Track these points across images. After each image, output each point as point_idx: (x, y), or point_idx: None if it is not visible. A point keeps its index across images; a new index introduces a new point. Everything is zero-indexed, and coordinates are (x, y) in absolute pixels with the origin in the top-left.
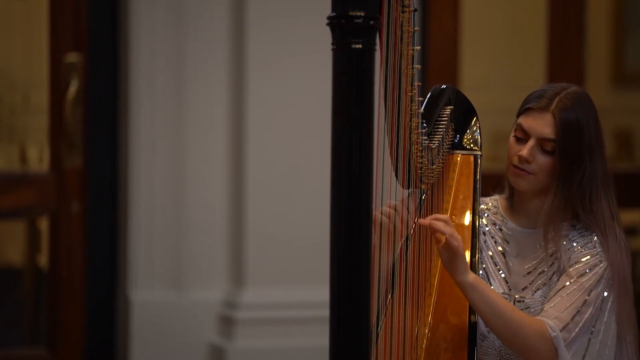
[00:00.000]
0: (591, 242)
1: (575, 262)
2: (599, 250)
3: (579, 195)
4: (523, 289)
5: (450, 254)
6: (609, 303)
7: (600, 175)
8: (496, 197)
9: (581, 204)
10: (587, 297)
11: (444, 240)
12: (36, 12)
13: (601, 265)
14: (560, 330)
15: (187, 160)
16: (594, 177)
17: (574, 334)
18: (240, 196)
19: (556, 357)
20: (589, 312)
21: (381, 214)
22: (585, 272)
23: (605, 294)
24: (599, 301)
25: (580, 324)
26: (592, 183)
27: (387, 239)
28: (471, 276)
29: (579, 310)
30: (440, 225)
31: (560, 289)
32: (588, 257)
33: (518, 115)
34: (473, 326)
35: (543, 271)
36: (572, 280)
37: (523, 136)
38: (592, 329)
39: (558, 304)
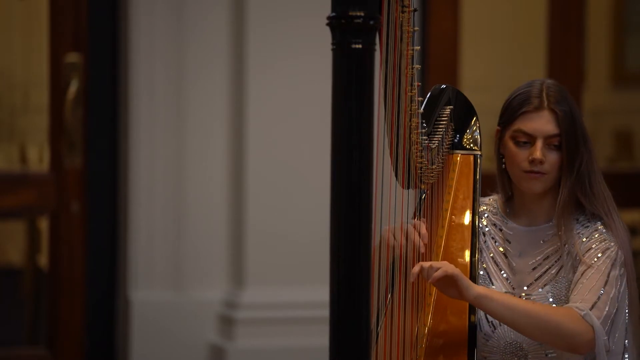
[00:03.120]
0: (596, 230)
1: (587, 250)
2: (605, 235)
3: (580, 182)
4: (529, 286)
5: (450, 282)
6: (624, 283)
7: (593, 157)
8: (495, 197)
9: (582, 190)
10: (607, 278)
11: (436, 275)
12: (36, 12)
13: (612, 248)
14: (590, 309)
15: (187, 160)
16: (591, 160)
17: (605, 311)
18: (240, 196)
19: (593, 336)
20: (613, 291)
21: (394, 237)
22: (599, 256)
23: (621, 274)
24: (618, 283)
25: (608, 302)
26: (590, 168)
27: (387, 254)
28: (479, 288)
29: (602, 289)
30: (425, 271)
31: (579, 278)
32: (597, 242)
33: (506, 123)
34: (473, 326)
35: (550, 267)
36: (588, 267)
37: (527, 140)
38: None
39: (580, 290)
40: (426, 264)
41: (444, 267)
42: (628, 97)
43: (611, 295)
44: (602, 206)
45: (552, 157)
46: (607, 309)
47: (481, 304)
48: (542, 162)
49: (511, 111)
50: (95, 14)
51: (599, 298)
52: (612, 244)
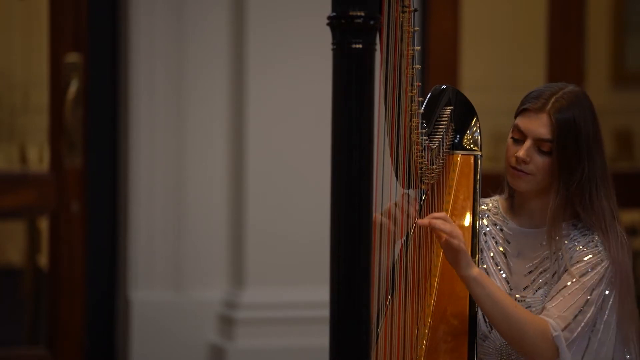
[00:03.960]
0: (593, 241)
1: (577, 262)
2: (600, 249)
3: (579, 195)
4: (524, 289)
5: (453, 251)
6: (610, 302)
7: (599, 173)
8: (496, 197)
9: (581, 203)
10: (589, 297)
11: (444, 238)
12: (36, 12)
13: (603, 264)
14: (562, 330)
15: (187, 160)
16: (593, 176)
17: (575, 333)
18: (240, 196)
19: (557, 356)
20: (590, 311)
21: (381, 215)
22: (587, 272)
23: (607, 292)
24: (600, 300)
25: (582, 324)
26: (592, 182)
27: (387, 238)
28: (475, 271)
29: (581, 310)
30: (439, 224)
31: (562, 289)
32: (590, 256)
33: (516, 116)
34: (473, 326)
35: (544, 270)
36: (574, 280)
37: (520, 137)
38: (593, 328)
39: (560, 303)
40: (439, 215)
41: (454, 232)
42: (628, 97)
43: (587, 316)
44: (600, 222)
45: (540, 161)
46: (578, 331)
47: (469, 286)
48: (526, 163)
49: (520, 105)
50: (95, 14)
51: (574, 319)
52: (604, 259)
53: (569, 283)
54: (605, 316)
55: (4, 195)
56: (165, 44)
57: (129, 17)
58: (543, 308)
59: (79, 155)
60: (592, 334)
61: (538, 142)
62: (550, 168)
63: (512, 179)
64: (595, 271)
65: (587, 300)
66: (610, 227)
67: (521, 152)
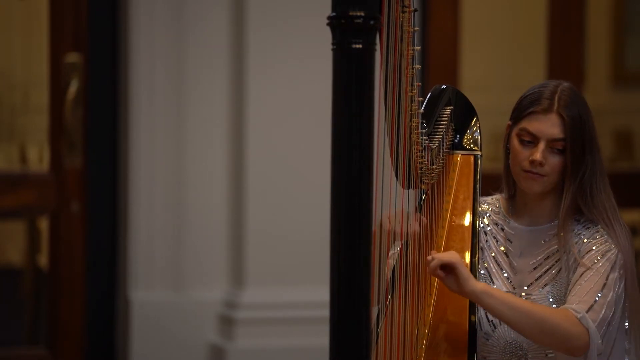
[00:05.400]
0: (598, 232)
1: (587, 252)
2: (606, 237)
3: (581, 189)
4: (529, 286)
5: (449, 271)
6: (622, 285)
7: (598, 167)
8: (497, 196)
9: (583, 198)
10: (605, 281)
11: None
12: (36, 12)
13: (612, 250)
14: (586, 312)
15: (187, 160)
16: (594, 170)
17: (601, 314)
18: (240, 196)
19: (588, 339)
20: (610, 294)
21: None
22: (598, 259)
23: (619, 278)
24: (616, 286)
25: (605, 305)
26: (592, 176)
27: (387, 240)
28: (480, 284)
29: (600, 293)
30: (436, 271)
31: (577, 279)
32: (598, 244)
33: (516, 120)
34: (473, 326)
35: (550, 267)
36: (587, 269)
37: (531, 139)
38: (614, 313)
39: (578, 291)
40: (430, 257)
41: (441, 255)
42: (628, 97)
43: (608, 299)
44: (602, 216)
45: (554, 161)
46: (603, 312)
47: (480, 300)
48: (542, 165)
49: (521, 109)
50: (95, 14)
51: (595, 301)
52: (613, 246)
53: (583, 273)
54: (621, 303)
55: (4, 195)
56: (165, 44)
57: (129, 17)
58: (565, 302)
59: (79, 155)
60: (612, 318)
61: (551, 143)
62: (563, 167)
63: (526, 182)
64: (606, 258)
65: (605, 283)
66: (613, 218)
67: (538, 155)
